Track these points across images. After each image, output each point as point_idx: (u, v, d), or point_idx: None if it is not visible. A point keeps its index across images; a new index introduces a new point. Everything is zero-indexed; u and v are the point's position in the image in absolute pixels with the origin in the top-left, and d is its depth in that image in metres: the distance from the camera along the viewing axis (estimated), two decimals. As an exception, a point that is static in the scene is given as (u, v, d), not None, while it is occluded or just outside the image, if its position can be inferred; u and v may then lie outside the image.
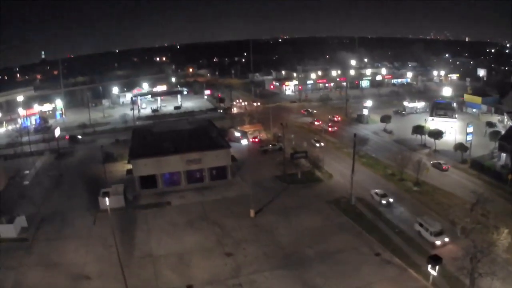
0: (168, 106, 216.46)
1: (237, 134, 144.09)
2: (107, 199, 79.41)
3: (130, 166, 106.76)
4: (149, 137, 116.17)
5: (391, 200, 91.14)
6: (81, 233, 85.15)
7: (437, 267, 40.27)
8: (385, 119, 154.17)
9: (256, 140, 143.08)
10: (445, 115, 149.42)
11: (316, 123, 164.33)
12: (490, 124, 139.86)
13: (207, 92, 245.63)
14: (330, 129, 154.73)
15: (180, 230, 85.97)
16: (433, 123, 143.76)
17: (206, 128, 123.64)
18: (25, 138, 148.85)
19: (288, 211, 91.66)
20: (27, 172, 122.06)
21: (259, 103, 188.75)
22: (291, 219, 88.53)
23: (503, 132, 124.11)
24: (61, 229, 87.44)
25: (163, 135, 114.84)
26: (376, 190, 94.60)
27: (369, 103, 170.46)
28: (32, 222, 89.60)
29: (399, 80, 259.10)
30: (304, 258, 74.43)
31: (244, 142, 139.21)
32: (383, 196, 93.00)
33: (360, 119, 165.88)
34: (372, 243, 77.93)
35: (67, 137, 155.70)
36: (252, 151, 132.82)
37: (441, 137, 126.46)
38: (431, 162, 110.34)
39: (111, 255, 74.40)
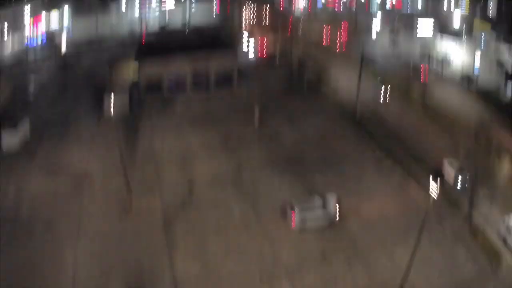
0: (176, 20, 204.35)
1: (247, 41, 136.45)
2: (111, 101, 77.56)
3: (136, 69, 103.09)
4: (156, 41, 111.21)
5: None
6: (85, 136, 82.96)
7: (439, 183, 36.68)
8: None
9: (264, 45, 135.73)
10: (454, 35, 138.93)
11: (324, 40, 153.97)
12: (498, 54, 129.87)
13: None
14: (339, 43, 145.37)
15: (184, 130, 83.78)
16: (441, 44, 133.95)
17: (217, 33, 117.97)
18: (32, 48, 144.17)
19: (293, 117, 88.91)
20: (31, 79, 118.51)
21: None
22: (295, 124, 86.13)
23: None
24: (64, 133, 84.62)
25: (170, 38, 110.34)
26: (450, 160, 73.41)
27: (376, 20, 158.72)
28: (35, 125, 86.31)
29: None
30: (307, 160, 72.68)
31: (252, 48, 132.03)
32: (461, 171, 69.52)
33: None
34: (376, 150, 76.06)
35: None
36: (261, 60, 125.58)
37: (450, 65, 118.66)
38: None
39: (113, 156, 70.67)
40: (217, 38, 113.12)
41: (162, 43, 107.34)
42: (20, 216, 60.38)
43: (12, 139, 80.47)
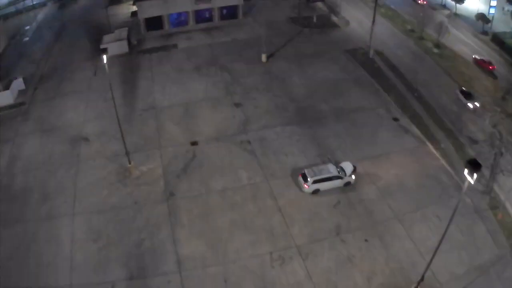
0: None
1: None
2: (110, 40, 74.13)
3: (135, 8, 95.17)
4: None
5: (477, 104, 67.94)
6: (81, 88, 76.22)
7: (475, 174, 30.39)
8: None
9: None
10: None
11: None
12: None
13: None
14: None
15: (187, 76, 76.32)
16: None
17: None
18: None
19: (302, 58, 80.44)
20: (27, 27, 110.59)
21: None
22: (305, 67, 77.59)
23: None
24: (60, 86, 78.36)
25: None
26: (463, 89, 71.44)
27: None
28: (30, 82, 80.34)
29: None
30: (318, 115, 65.31)
31: None
32: (469, 96, 69.56)
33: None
34: (390, 105, 67.86)
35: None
36: None
37: (463, 1, 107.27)
38: (473, 56, 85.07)
39: (111, 110, 64.25)
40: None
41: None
42: (14, 186, 56.18)
43: (6, 99, 75.27)
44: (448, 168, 55.71)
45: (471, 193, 50.42)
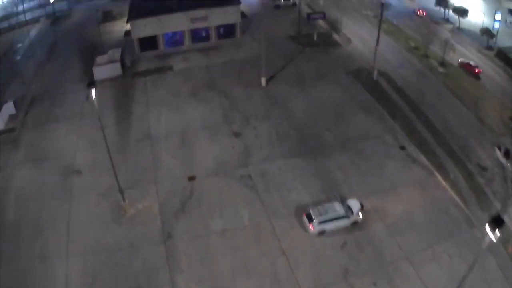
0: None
1: None
2: (102, 62, 74.45)
3: (129, 27, 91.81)
4: None
5: None
6: (73, 113, 73.07)
7: (498, 230, 27.83)
8: None
9: None
10: None
11: None
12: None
13: None
14: None
15: (183, 102, 73.13)
16: None
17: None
18: (21, 7, 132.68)
19: (303, 81, 77.39)
20: (19, 45, 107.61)
21: None
22: (307, 90, 74.60)
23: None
24: (51, 110, 75.25)
25: None
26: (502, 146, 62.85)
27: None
28: (21, 106, 77.32)
29: None
30: (322, 144, 62.27)
31: None
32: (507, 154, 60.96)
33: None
34: (396, 132, 64.85)
35: None
36: (264, 5, 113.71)
37: (466, 15, 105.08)
38: (459, 60, 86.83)
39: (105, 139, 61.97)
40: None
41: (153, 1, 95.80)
42: (6, 220, 53.44)
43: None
44: (458, 200, 53.12)
45: (482, 224, 47.39)
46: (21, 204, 55.54)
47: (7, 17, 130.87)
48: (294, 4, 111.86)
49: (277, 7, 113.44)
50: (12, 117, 74.55)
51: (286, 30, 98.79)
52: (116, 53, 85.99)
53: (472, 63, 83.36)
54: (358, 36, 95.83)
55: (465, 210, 51.67)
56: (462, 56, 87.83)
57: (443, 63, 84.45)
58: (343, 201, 50.91)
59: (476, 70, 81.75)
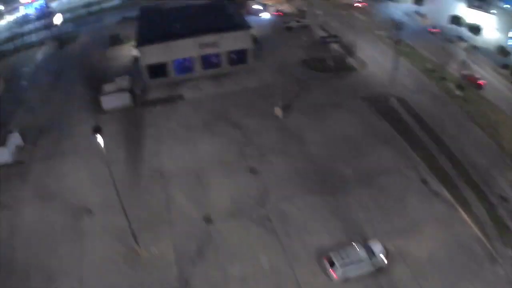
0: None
1: (257, 6, 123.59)
2: (111, 91, 74.07)
3: (137, 52, 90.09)
4: (158, 18, 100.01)
5: None
6: (82, 146, 71.15)
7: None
8: (418, 0, 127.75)
9: (279, 13, 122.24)
10: (480, 8, 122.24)
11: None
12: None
13: None
14: (358, 4, 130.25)
15: (195, 135, 71.37)
16: (469, 14, 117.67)
17: (222, 5, 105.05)
18: (27, 28, 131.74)
19: (319, 110, 75.62)
20: (26, 69, 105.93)
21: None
22: (323, 120, 72.99)
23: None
24: (60, 142, 73.75)
25: (173, 14, 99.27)
26: None
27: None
28: (28, 136, 75.61)
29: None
30: (341, 180, 60.34)
31: (265, 15, 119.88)
32: None
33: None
34: (417, 164, 63.08)
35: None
36: (275, 27, 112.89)
37: (480, 33, 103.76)
38: (462, 72, 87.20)
39: (116, 175, 59.42)
40: (226, 10, 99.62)
41: (165, 23, 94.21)
42: (15, 262, 51.80)
43: (3, 157, 70.43)
44: (480, 235, 51.68)
45: (504, 261, 47.86)
46: (30, 245, 54.02)
47: (12, 38, 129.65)
48: (306, 26, 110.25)
49: (289, 28, 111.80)
50: (19, 148, 72.74)
51: (298, 54, 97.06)
52: (124, 81, 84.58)
53: (474, 74, 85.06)
54: (372, 58, 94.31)
55: (488, 246, 50.34)
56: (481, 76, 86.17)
57: (460, 86, 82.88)
58: (365, 243, 49.33)
59: (479, 82, 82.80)
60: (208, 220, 54.84)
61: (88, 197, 60.31)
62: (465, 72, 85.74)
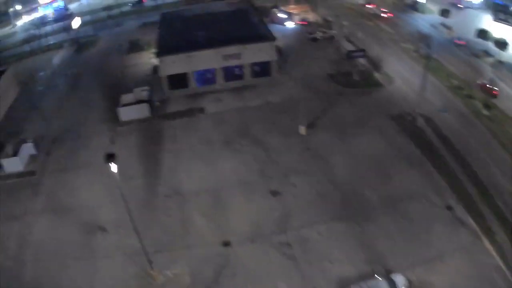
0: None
1: (281, 15, 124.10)
2: (128, 102, 76.57)
3: (157, 61, 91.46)
4: (179, 26, 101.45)
5: None
6: (97, 159, 69.72)
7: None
8: (444, 12, 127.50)
9: (304, 22, 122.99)
10: (507, 22, 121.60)
11: (368, 6, 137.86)
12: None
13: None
14: (384, 15, 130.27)
15: (215, 152, 71.62)
16: (495, 28, 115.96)
17: (246, 12, 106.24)
18: (44, 30, 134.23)
19: (344, 128, 75.34)
20: (41, 73, 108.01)
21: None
22: (348, 140, 72.53)
23: None
24: (74, 154, 75.09)
25: (195, 22, 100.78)
26: None
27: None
28: (41, 146, 77.31)
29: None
30: (365, 205, 59.87)
31: (289, 24, 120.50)
32: None
33: (415, 6, 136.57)
34: (443, 189, 62.19)
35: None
36: (299, 37, 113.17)
37: (507, 48, 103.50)
38: (477, 82, 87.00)
39: (132, 192, 61.26)
40: (250, 20, 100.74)
41: (186, 31, 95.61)
42: (24, 277, 52.84)
43: (15, 166, 72.01)
44: (503, 267, 50.93)
45: None
46: (40, 261, 54.79)
47: (28, 40, 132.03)
48: (332, 37, 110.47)
49: (314, 39, 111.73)
50: (32, 158, 74.17)
51: (324, 67, 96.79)
52: (143, 92, 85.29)
53: (489, 84, 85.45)
54: (399, 73, 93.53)
55: (510, 279, 49.62)
56: (507, 97, 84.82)
57: (487, 104, 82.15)
58: (387, 275, 48.81)
59: (494, 92, 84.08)
60: (226, 243, 54.81)
61: (102, 214, 60.86)
62: (480, 81, 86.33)
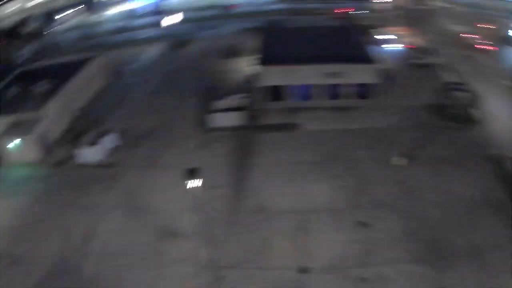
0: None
1: (384, 36, 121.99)
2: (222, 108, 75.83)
3: (257, 69, 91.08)
4: (282, 36, 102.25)
5: None
6: (181, 163, 70.24)
7: None
8: None
9: (407, 46, 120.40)
10: None
11: (468, 35, 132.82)
12: None
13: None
14: (485, 46, 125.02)
15: (306, 174, 69.63)
16: None
17: (350, 30, 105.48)
18: (137, 22, 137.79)
19: (439, 164, 71.54)
20: (133, 66, 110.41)
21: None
22: (441, 178, 68.54)
23: None
24: (157, 153, 75.75)
25: (298, 35, 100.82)
26: None
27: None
28: (124, 139, 79.13)
29: None
30: (450, 251, 56.21)
31: (391, 47, 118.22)
32: None
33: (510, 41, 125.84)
34: None
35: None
36: (401, 61, 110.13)
37: None
38: None
39: (213, 203, 61.77)
40: (353, 39, 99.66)
41: (288, 44, 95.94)
42: (84, 271, 53.48)
43: (94, 156, 73.25)
44: None
45: None
46: (104, 257, 55.48)
47: (120, 30, 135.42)
48: (432, 65, 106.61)
49: (415, 65, 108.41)
50: (113, 151, 75.42)
51: (423, 96, 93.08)
52: (238, 100, 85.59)
53: None
54: (498, 111, 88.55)
55: None
56: None
57: None
58: None
59: None
60: (302, 270, 53.13)
61: (178, 220, 60.62)
62: None
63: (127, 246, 56.99)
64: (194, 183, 44.52)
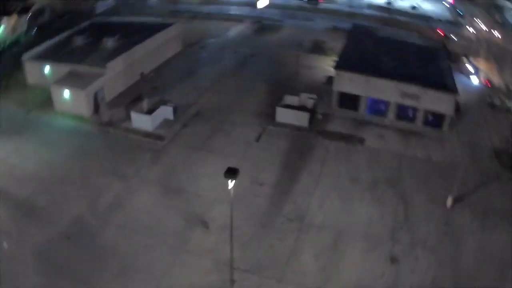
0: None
1: (469, 67, 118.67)
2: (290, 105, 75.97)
3: (334, 72, 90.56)
4: (366, 44, 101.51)
5: None
6: (234, 151, 73.00)
7: None
8: None
9: (487, 82, 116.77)
10: None
11: None
12: None
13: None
14: None
15: (357, 191, 69.14)
16: None
17: (437, 53, 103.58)
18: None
19: (490, 214, 68.71)
20: (212, 41, 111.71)
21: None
22: (489, 230, 65.90)
23: None
24: (211, 136, 76.77)
25: (382, 46, 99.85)
26: None
27: None
28: (181, 115, 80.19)
29: None
30: None
31: (473, 79, 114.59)
32: None
33: None
34: None
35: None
36: (477, 96, 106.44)
37: None
38: None
39: (255, 200, 62.95)
40: (439, 63, 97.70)
41: (371, 52, 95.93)
42: (101, 238, 55.30)
43: (144, 124, 75.00)
44: None
45: None
46: (125, 230, 57.03)
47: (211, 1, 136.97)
48: (509, 109, 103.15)
49: (491, 105, 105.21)
50: (166, 123, 76.69)
51: (492, 139, 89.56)
52: (309, 100, 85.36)
53: None
54: None
55: None
56: None
57: None
58: None
59: None
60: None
61: (212, 210, 61.36)
62: None
63: (152, 225, 58.15)
64: (231, 184, 43.77)
